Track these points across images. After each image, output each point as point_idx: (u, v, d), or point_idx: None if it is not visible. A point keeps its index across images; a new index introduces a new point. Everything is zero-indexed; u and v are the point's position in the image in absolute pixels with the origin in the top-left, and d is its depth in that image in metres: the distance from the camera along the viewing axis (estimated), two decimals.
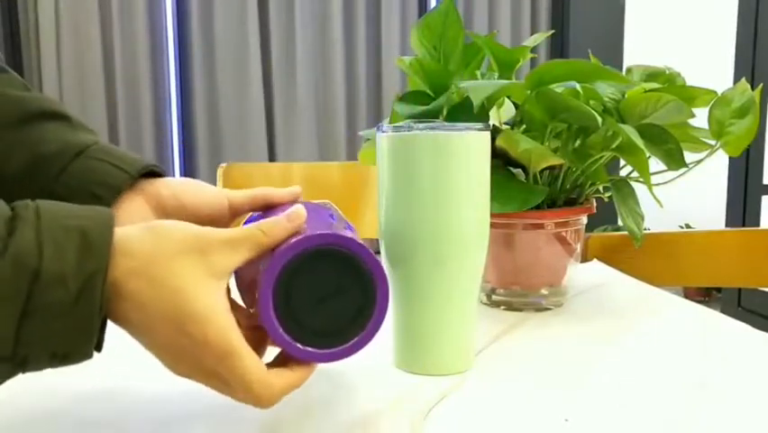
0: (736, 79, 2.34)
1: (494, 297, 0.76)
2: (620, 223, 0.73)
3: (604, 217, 1.35)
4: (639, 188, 0.76)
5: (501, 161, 0.71)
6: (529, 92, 0.68)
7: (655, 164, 0.71)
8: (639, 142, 0.66)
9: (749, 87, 0.75)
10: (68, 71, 3.32)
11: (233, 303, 0.45)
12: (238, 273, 0.48)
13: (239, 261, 0.42)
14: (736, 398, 0.52)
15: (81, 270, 0.37)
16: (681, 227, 3.07)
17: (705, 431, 0.47)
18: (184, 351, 0.40)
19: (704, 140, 0.76)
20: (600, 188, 0.79)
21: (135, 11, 3.41)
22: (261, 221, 0.44)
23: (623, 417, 0.49)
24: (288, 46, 3.63)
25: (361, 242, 0.43)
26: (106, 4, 3.38)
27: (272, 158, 3.67)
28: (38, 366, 0.38)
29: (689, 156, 0.72)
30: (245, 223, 0.54)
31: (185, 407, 0.51)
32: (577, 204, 0.77)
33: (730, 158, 2.59)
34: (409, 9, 3.79)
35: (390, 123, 0.71)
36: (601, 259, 0.98)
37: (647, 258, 1.00)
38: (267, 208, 0.54)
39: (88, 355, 0.39)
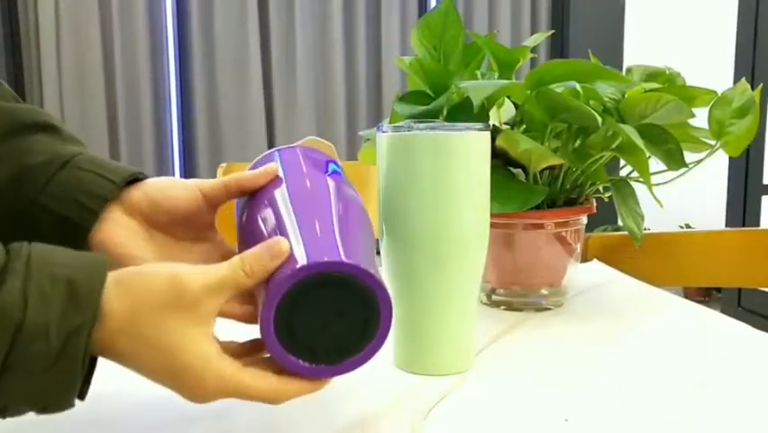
0: (736, 79, 2.34)
1: (494, 297, 0.76)
2: (620, 223, 0.73)
3: (604, 217, 1.34)
4: (639, 188, 0.76)
5: (501, 161, 0.71)
6: (529, 92, 0.68)
7: (655, 164, 0.71)
8: (639, 142, 0.66)
9: (749, 87, 0.75)
10: (68, 71, 3.32)
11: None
12: None
13: (221, 303, 0.42)
14: (736, 398, 0.52)
15: (65, 323, 0.36)
16: (681, 227, 3.07)
17: (705, 431, 0.47)
18: (189, 395, 0.41)
19: (704, 140, 0.76)
20: (600, 188, 0.79)
21: (135, 11, 3.41)
22: (244, 256, 0.42)
23: (623, 417, 0.49)
24: (288, 46, 3.63)
25: (359, 264, 0.42)
26: (106, 4, 3.38)
27: None
28: (17, 414, 0.38)
29: (689, 156, 0.72)
30: (237, 208, 0.53)
31: (184, 407, 0.51)
32: (577, 204, 0.77)
33: (730, 158, 2.59)
34: (409, 9, 3.79)
35: (390, 123, 0.71)
36: (601, 259, 0.98)
37: (647, 258, 1.00)
38: (244, 194, 0.52)
39: (69, 406, 0.39)
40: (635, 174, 0.75)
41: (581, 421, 0.48)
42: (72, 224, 0.50)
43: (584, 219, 0.76)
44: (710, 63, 2.91)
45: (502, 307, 0.76)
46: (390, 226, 0.56)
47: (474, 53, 0.77)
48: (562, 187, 0.75)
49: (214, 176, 1.55)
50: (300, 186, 0.49)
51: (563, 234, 0.74)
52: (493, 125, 0.70)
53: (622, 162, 0.74)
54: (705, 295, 3.03)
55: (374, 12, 3.75)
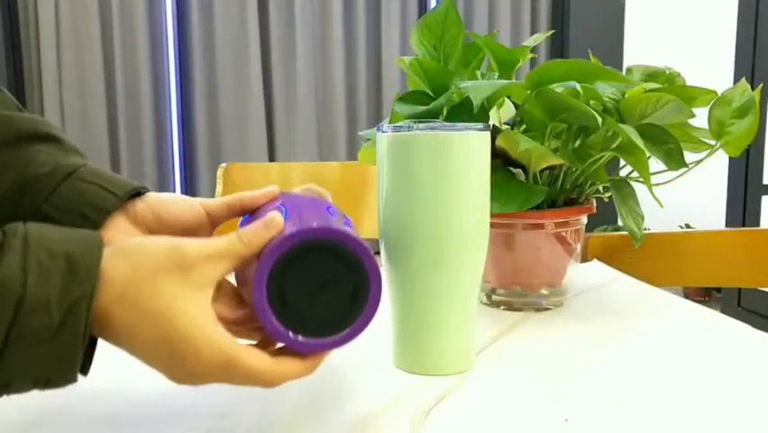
0: (736, 79, 2.34)
1: (494, 297, 0.76)
2: (620, 223, 0.73)
3: (604, 217, 1.35)
4: (639, 188, 0.76)
5: (501, 160, 0.71)
6: (529, 92, 0.68)
7: (655, 164, 0.71)
8: (639, 142, 0.66)
9: (749, 87, 0.75)
10: (68, 71, 3.32)
11: (233, 299, 0.46)
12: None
13: (220, 272, 0.43)
14: (736, 398, 0.52)
15: (65, 295, 0.37)
16: (681, 227, 3.07)
17: (705, 431, 0.47)
18: (181, 368, 0.41)
19: (704, 140, 0.76)
20: (600, 188, 0.79)
21: (135, 11, 3.41)
22: (241, 230, 0.44)
23: (623, 417, 0.49)
24: (288, 46, 3.63)
25: (348, 231, 0.43)
26: (106, 4, 3.38)
27: (272, 158, 3.67)
28: (20, 390, 0.38)
29: (689, 156, 0.72)
30: (240, 225, 0.54)
31: (184, 405, 0.51)
32: (577, 204, 0.77)
33: (730, 158, 2.59)
34: (409, 9, 3.79)
35: (390, 123, 0.71)
36: (601, 259, 0.98)
37: (647, 258, 1.00)
38: (246, 212, 0.54)
39: (72, 380, 0.39)
40: (635, 174, 0.75)
41: (581, 421, 0.48)
42: None
43: (584, 219, 0.76)
44: (710, 63, 2.91)
45: (502, 307, 0.76)
46: (390, 227, 0.56)
47: (474, 53, 0.77)
48: (562, 187, 0.75)
49: (214, 176, 1.55)
50: (299, 202, 0.50)
51: (563, 234, 0.74)
52: (493, 125, 0.71)
53: (622, 162, 0.74)
54: (705, 295, 3.03)
55: (374, 12, 3.76)
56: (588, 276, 0.88)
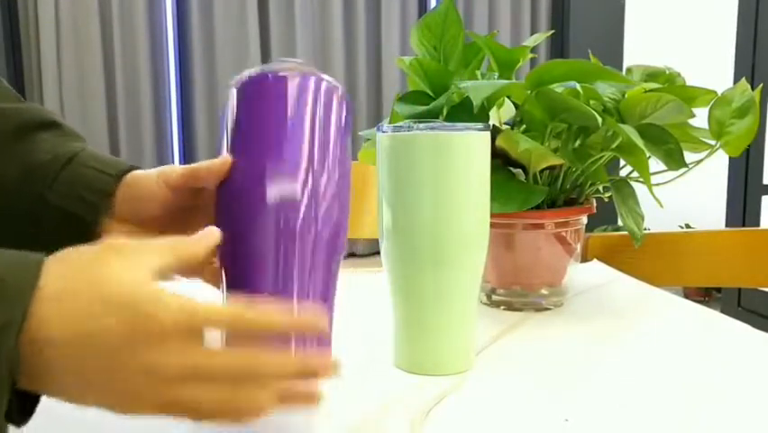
0: (736, 79, 2.34)
1: (494, 297, 0.76)
2: (620, 223, 0.73)
3: (604, 217, 1.34)
4: (639, 189, 0.76)
5: (501, 160, 0.71)
6: (529, 92, 0.68)
7: (655, 164, 0.71)
8: (639, 142, 0.66)
9: (749, 87, 0.75)
10: (68, 71, 3.32)
11: None
12: None
13: (166, 264, 0.39)
14: (736, 398, 0.52)
15: None
16: (681, 227, 3.07)
17: (705, 431, 0.47)
18: (145, 347, 0.35)
19: (704, 140, 0.76)
20: (600, 188, 0.79)
21: (135, 11, 3.41)
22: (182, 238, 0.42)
23: (623, 417, 0.49)
24: (288, 46, 3.63)
25: None
26: (106, 4, 3.38)
27: None
28: None
29: (689, 156, 0.72)
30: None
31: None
32: (577, 204, 0.77)
33: (730, 158, 2.59)
34: (409, 9, 3.79)
35: (390, 123, 0.71)
36: (601, 259, 0.98)
37: (647, 258, 1.00)
38: (202, 182, 0.51)
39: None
40: (635, 174, 0.75)
41: (581, 421, 0.48)
42: (77, 219, 0.52)
43: (584, 219, 0.76)
44: (710, 63, 2.91)
45: (502, 307, 0.76)
46: (390, 227, 0.56)
47: (474, 53, 0.77)
48: (562, 187, 0.75)
49: None
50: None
51: (563, 234, 0.74)
52: (493, 125, 0.71)
53: (622, 162, 0.74)
54: (705, 295, 3.03)
55: (374, 12, 3.76)
56: (588, 276, 0.88)
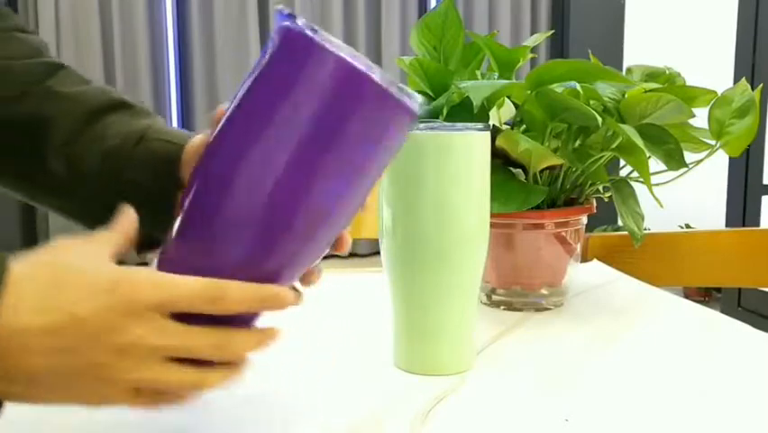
0: (736, 79, 2.34)
1: (494, 297, 0.76)
2: (620, 223, 0.73)
3: (604, 217, 1.34)
4: (639, 188, 0.76)
5: (501, 161, 0.71)
6: (529, 92, 0.68)
7: (655, 164, 0.71)
8: (639, 142, 0.66)
9: (749, 87, 0.75)
10: None
11: None
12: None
13: (118, 246, 0.40)
14: (737, 398, 0.52)
15: None
16: (681, 227, 3.07)
17: (705, 431, 0.47)
18: (120, 313, 0.36)
19: (704, 140, 0.76)
20: (600, 188, 0.79)
21: (135, 11, 3.41)
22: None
23: (623, 417, 0.49)
24: None
25: None
26: (106, 4, 3.38)
27: None
28: None
29: (689, 156, 0.72)
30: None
31: (182, 406, 0.51)
32: (577, 204, 0.77)
33: (730, 158, 2.59)
34: (409, 9, 3.79)
35: None
36: (601, 259, 0.98)
37: (647, 258, 1.00)
38: None
39: None
40: (635, 174, 0.75)
41: (581, 421, 0.48)
42: (156, 189, 0.54)
43: (584, 219, 0.76)
44: (710, 63, 2.91)
45: (502, 307, 0.76)
46: (390, 227, 0.56)
47: (474, 53, 0.77)
48: (562, 187, 0.75)
49: None
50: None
51: (563, 234, 0.74)
52: (493, 125, 0.71)
53: (622, 162, 0.74)
54: (705, 295, 3.03)
55: (374, 12, 3.76)
56: (588, 276, 0.88)
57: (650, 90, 0.70)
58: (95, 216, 0.55)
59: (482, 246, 0.57)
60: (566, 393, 0.53)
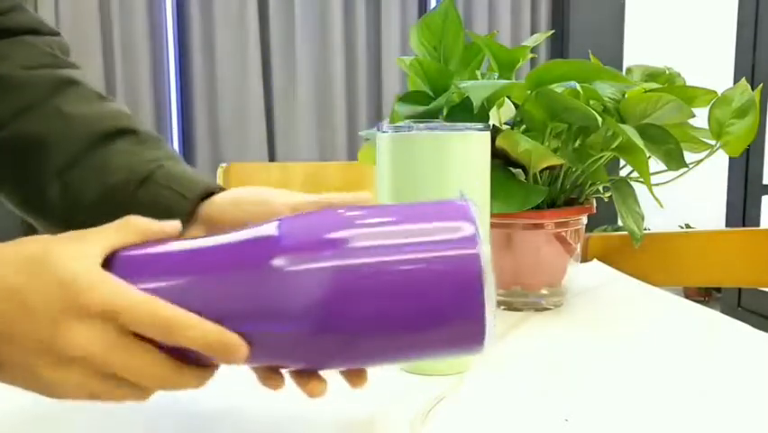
0: (736, 79, 2.34)
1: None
2: (620, 223, 0.73)
3: (604, 217, 1.34)
4: (639, 188, 0.76)
5: (501, 161, 0.71)
6: (529, 92, 0.68)
7: (655, 164, 0.71)
8: (639, 142, 0.66)
9: (749, 87, 0.75)
10: None
11: None
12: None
13: (110, 243, 0.38)
14: (736, 398, 0.52)
15: None
16: (681, 227, 3.07)
17: (705, 431, 0.47)
18: (73, 304, 0.35)
19: (704, 140, 0.76)
20: (600, 188, 0.79)
21: (135, 11, 3.41)
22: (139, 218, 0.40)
23: (623, 417, 0.49)
24: (288, 47, 3.63)
25: None
26: (106, 4, 3.38)
27: (272, 158, 3.67)
28: None
29: (689, 156, 0.72)
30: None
31: (184, 405, 0.51)
32: (577, 204, 0.77)
33: (730, 158, 2.59)
34: (409, 9, 3.79)
35: (390, 123, 0.71)
36: (601, 259, 0.98)
37: (647, 258, 1.00)
38: None
39: None
40: (635, 174, 0.75)
41: (581, 421, 0.48)
42: None
43: (584, 219, 0.76)
44: (710, 63, 2.91)
45: (502, 307, 0.76)
46: None
47: (474, 53, 0.77)
48: (562, 187, 0.75)
49: (214, 176, 1.55)
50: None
51: (563, 234, 0.74)
52: (493, 125, 0.70)
53: (622, 162, 0.74)
54: (705, 295, 3.03)
55: (374, 12, 3.75)
56: (588, 276, 0.88)
57: (650, 90, 0.70)
58: None
59: None
60: (566, 393, 0.53)
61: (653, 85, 0.75)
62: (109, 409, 0.40)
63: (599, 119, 0.66)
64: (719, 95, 0.75)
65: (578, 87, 0.67)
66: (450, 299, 0.37)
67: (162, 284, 0.37)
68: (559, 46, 3.88)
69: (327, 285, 0.36)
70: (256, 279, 0.37)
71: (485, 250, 0.39)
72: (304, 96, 3.66)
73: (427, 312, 0.37)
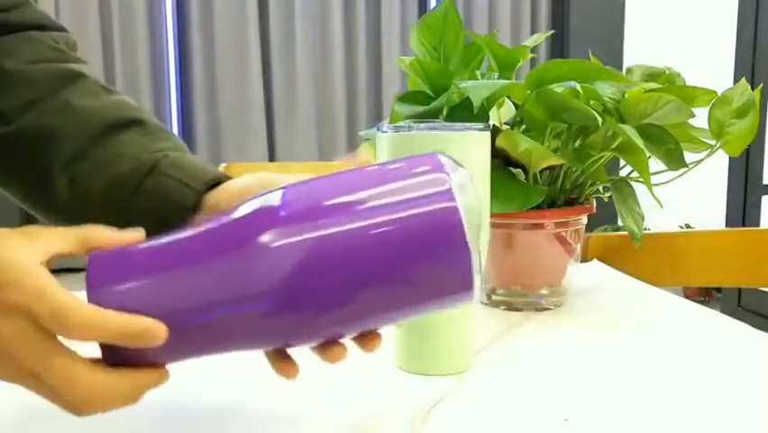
0: (736, 79, 2.34)
1: (494, 297, 0.76)
2: (620, 223, 0.73)
3: (604, 217, 1.34)
4: (639, 188, 0.76)
5: (501, 161, 0.71)
6: (529, 92, 0.68)
7: (655, 164, 0.71)
8: (639, 142, 0.66)
9: (749, 87, 0.75)
10: None
11: None
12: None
13: (67, 250, 0.38)
14: (736, 398, 0.52)
15: None
16: (681, 227, 3.07)
17: (705, 431, 0.47)
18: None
19: (704, 140, 0.76)
20: (600, 189, 0.79)
21: (135, 10, 3.41)
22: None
23: (623, 417, 0.49)
24: (288, 46, 3.63)
25: None
26: (106, 3, 3.38)
27: (272, 158, 3.67)
28: None
29: (689, 156, 0.72)
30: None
31: (183, 405, 0.51)
32: (577, 204, 0.77)
33: (730, 158, 2.59)
34: (409, 9, 3.80)
35: (390, 123, 0.71)
36: (601, 259, 0.98)
37: (647, 258, 1.00)
38: None
39: None
40: (635, 174, 0.75)
41: (581, 421, 0.48)
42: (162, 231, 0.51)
43: (584, 219, 0.76)
44: (710, 63, 2.91)
45: (502, 307, 0.76)
46: None
47: (474, 53, 0.77)
48: (562, 187, 0.75)
49: None
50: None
51: (563, 234, 0.74)
52: (493, 125, 0.70)
53: (622, 162, 0.74)
54: (705, 295, 3.03)
55: (374, 12, 3.75)
56: (588, 276, 0.88)
57: (650, 90, 0.70)
58: None
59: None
60: (566, 393, 0.53)
61: (653, 85, 0.75)
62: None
63: (599, 119, 0.66)
64: (719, 95, 0.75)
65: (578, 87, 0.67)
66: (433, 243, 0.38)
67: (142, 279, 0.38)
68: (559, 46, 3.88)
69: (307, 257, 0.37)
70: (240, 258, 0.38)
71: (462, 184, 0.40)
72: (304, 96, 3.66)
73: (414, 264, 0.38)
